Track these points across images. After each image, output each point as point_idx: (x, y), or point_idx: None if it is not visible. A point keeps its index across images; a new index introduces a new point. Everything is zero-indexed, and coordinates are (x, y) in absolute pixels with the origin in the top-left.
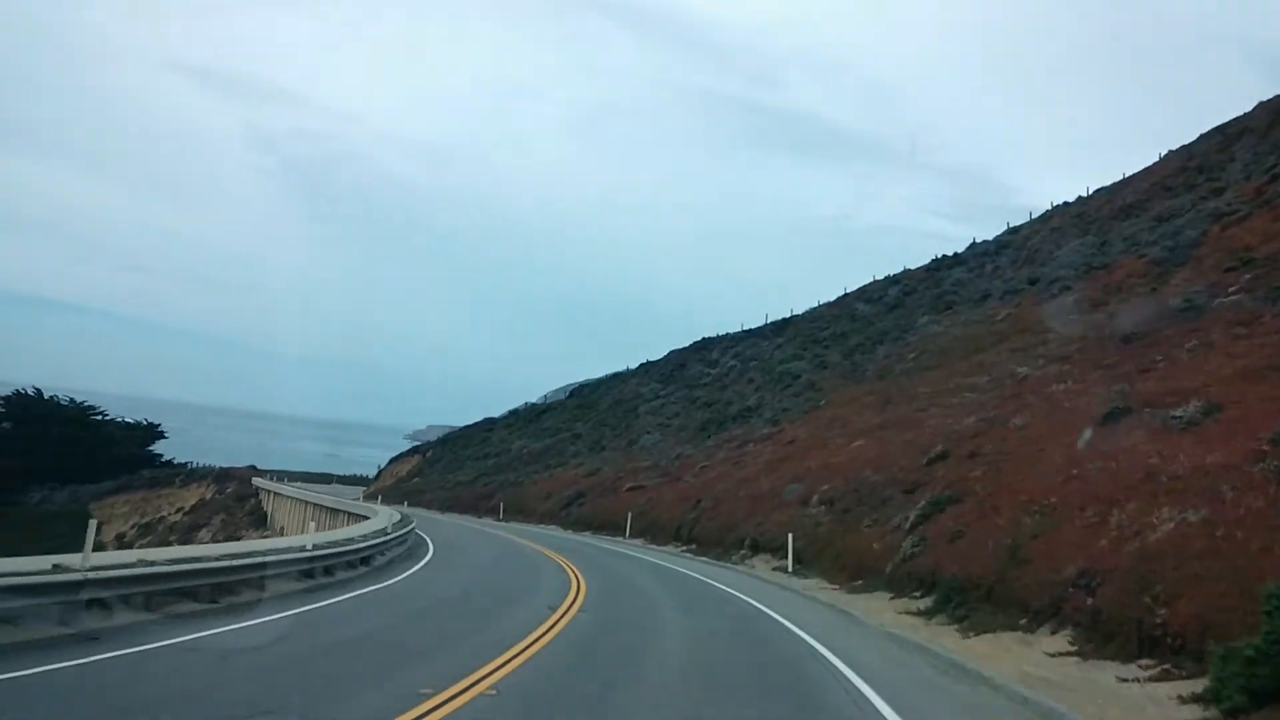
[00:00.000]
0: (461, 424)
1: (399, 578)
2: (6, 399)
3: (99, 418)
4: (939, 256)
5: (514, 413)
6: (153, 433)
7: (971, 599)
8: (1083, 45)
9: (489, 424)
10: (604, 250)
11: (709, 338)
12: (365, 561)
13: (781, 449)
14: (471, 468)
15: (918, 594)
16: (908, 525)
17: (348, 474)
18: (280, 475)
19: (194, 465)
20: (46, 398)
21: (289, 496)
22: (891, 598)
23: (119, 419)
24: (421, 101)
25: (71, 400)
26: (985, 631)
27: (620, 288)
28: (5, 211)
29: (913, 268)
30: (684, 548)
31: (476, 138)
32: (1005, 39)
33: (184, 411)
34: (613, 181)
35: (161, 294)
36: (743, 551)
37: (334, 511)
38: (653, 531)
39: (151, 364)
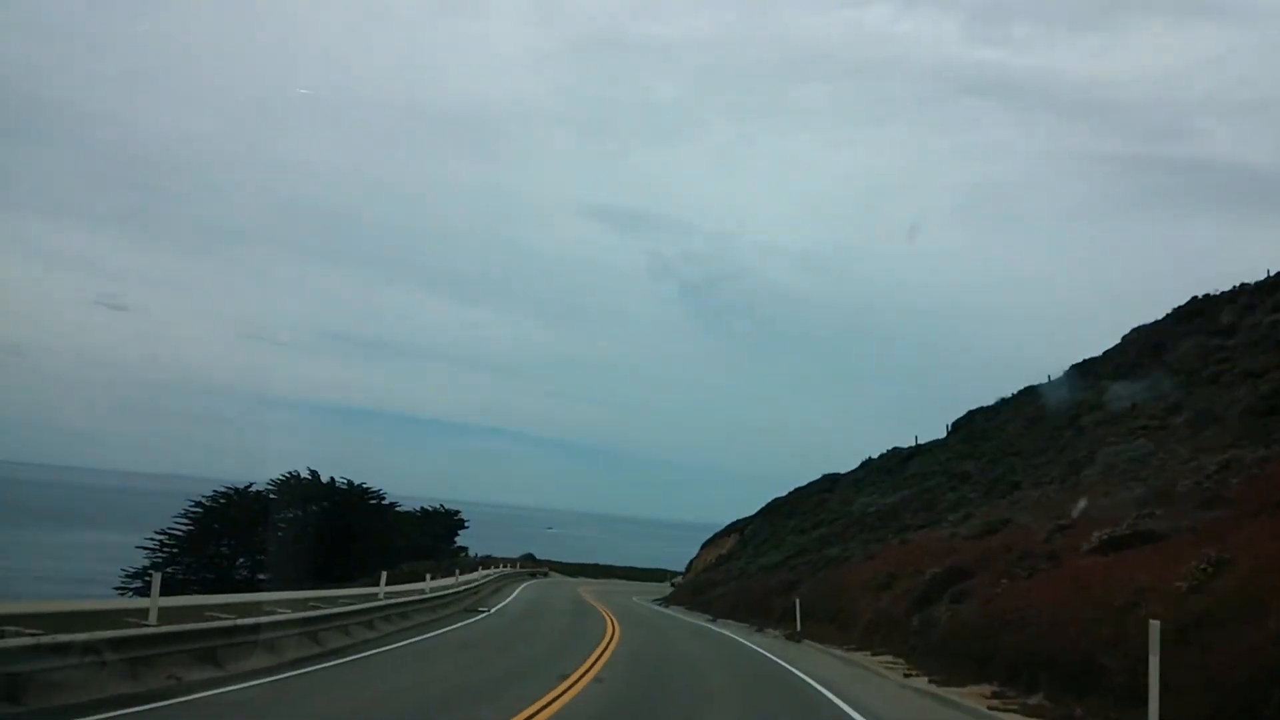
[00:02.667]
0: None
1: None
2: (277, 483)
3: (376, 503)
4: None
5: (867, 464)
6: (450, 520)
7: None
8: None
9: (829, 482)
10: (992, 325)
11: (1208, 296)
12: None
13: None
14: (789, 544)
15: None
16: None
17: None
18: (576, 568)
19: (474, 555)
20: (324, 481)
21: None
22: None
23: (413, 509)
24: (797, 211)
25: (350, 483)
26: None
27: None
28: (468, 354)
29: None
30: None
31: (850, 238)
32: None
33: (600, 521)
34: (997, 257)
35: (574, 415)
36: None
37: None
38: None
39: (575, 479)
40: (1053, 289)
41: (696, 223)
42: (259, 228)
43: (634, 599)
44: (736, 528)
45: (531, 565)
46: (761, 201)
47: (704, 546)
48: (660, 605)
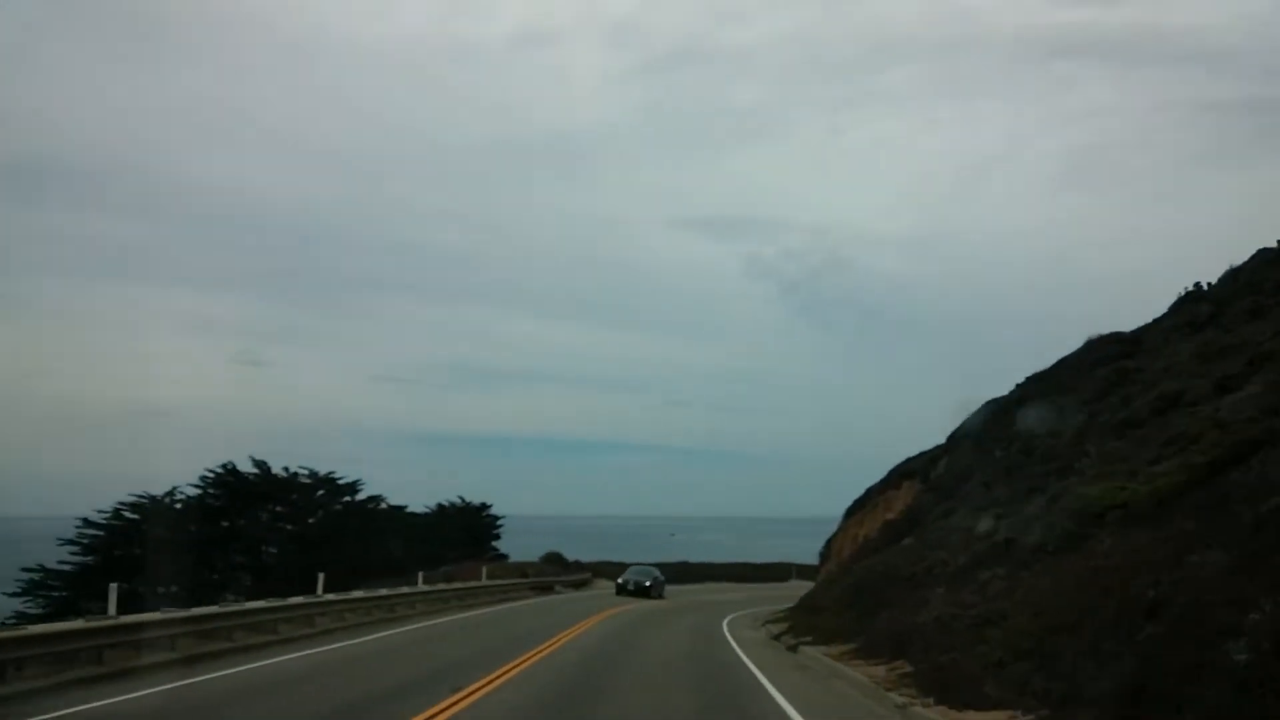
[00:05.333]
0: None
1: None
2: (208, 481)
3: (350, 499)
4: None
5: (1186, 301)
6: (477, 520)
7: None
8: None
9: (1113, 343)
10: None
11: None
12: None
13: None
14: (1039, 467)
15: None
16: None
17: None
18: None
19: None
20: (275, 474)
21: None
22: None
23: (427, 508)
24: (893, 197)
25: (315, 474)
26: None
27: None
28: (588, 374)
29: None
30: None
31: (950, 217)
32: None
33: (734, 523)
34: (1110, 218)
35: (696, 422)
36: None
37: None
38: None
39: (704, 485)
40: (1174, 241)
41: (792, 220)
42: (377, 274)
43: (712, 637)
44: (908, 471)
45: (557, 571)
46: (856, 192)
47: (849, 515)
48: (777, 640)
